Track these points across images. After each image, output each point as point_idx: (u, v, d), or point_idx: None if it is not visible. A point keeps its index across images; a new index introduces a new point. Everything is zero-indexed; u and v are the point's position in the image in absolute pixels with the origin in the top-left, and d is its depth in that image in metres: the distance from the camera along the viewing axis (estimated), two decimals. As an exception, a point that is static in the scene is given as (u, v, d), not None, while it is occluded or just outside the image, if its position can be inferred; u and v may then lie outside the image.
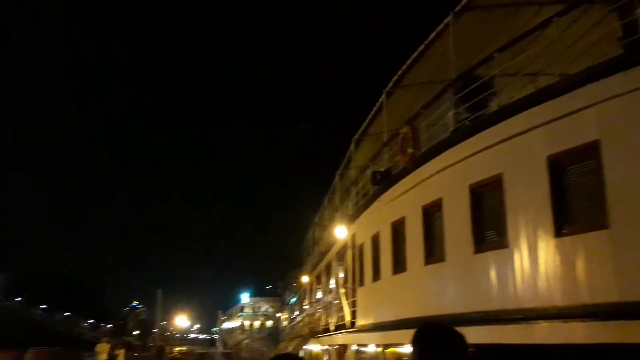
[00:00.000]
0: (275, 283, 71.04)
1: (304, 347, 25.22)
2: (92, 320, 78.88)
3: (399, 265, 12.01)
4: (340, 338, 17.84)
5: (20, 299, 76.66)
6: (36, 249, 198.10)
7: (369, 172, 14.66)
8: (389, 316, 12.41)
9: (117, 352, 26.55)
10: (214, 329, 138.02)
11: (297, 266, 34.32)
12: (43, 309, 73.08)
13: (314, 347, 24.35)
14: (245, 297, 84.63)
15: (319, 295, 25.75)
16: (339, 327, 18.39)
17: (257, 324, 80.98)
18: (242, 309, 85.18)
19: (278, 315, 60.26)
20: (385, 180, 12.83)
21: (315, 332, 23.47)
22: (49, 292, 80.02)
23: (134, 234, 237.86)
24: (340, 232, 17.13)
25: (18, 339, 47.13)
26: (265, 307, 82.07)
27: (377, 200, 13.27)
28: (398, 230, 12.07)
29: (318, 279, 25.27)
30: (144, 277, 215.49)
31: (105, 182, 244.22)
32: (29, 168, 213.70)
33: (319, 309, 24.06)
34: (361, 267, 15.17)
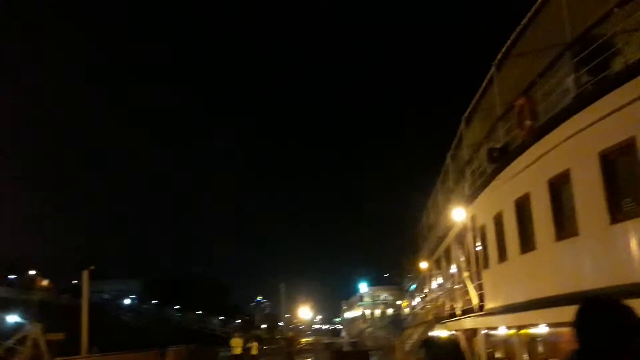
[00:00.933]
0: (391, 271, 70.98)
1: (429, 333, 24.98)
2: (221, 317, 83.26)
3: (526, 243, 11.53)
4: (468, 322, 17.46)
5: (155, 301, 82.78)
6: (164, 255, 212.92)
7: (483, 150, 14.20)
8: (520, 297, 11.97)
9: (249, 345, 27.85)
10: (336, 319, 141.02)
11: (413, 253, 34.03)
12: (177, 309, 78.25)
13: (440, 333, 24.05)
14: (363, 287, 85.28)
15: (440, 280, 25.38)
16: (466, 312, 18.03)
17: (377, 312, 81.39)
18: (361, 299, 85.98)
19: (398, 302, 60.16)
20: (503, 157, 12.36)
21: (440, 318, 23.17)
22: (180, 293, 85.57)
23: (255, 232, 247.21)
24: (458, 214, 16.75)
25: (157, 339, 51.04)
26: (383, 295, 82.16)
27: (496, 178, 12.82)
28: (522, 207, 11.59)
29: (437, 264, 24.89)
30: (265, 273, 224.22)
31: (224, 190, 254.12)
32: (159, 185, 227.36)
33: (442, 295, 23.73)
34: (484, 249, 14.74)
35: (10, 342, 26.05)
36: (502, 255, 13.07)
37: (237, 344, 27.73)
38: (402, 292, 51.40)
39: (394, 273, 60.05)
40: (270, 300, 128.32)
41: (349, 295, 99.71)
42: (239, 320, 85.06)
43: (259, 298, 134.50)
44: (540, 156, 10.58)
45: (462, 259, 18.43)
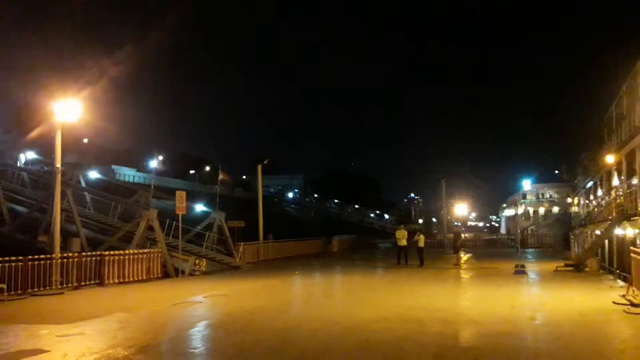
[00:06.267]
0: (561, 167, 66.47)
1: (614, 231, 23.16)
2: (377, 212, 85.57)
3: None
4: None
5: (316, 195, 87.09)
6: (322, 151, 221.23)
7: None
8: None
9: (417, 237, 28.04)
10: (492, 216, 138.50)
11: (594, 146, 31.11)
12: (336, 203, 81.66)
13: (625, 231, 22.20)
14: (526, 184, 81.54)
15: (630, 175, 23.05)
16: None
17: (541, 210, 78.06)
18: (524, 196, 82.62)
19: (568, 200, 56.71)
20: None
21: (628, 215, 21.25)
22: (339, 189, 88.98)
23: (408, 130, 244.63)
24: (670, 98, 14.48)
25: (320, 229, 54.08)
26: (549, 193, 78.17)
27: None
28: None
29: (629, 157, 22.45)
30: (419, 169, 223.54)
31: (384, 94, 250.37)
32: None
33: (633, 189, 21.57)
34: None
35: (199, 228, 28.92)
36: None
37: (402, 236, 27.97)
38: (573, 190, 48.12)
39: (565, 169, 56.28)
40: (423, 196, 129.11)
41: (509, 192, 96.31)
42: (389, 216, 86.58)
43: (412, 194, 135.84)
44: None
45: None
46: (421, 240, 27.69)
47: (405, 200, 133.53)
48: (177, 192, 25.28)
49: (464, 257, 33.52)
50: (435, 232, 66.71)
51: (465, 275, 23.24)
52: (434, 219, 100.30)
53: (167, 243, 23.56)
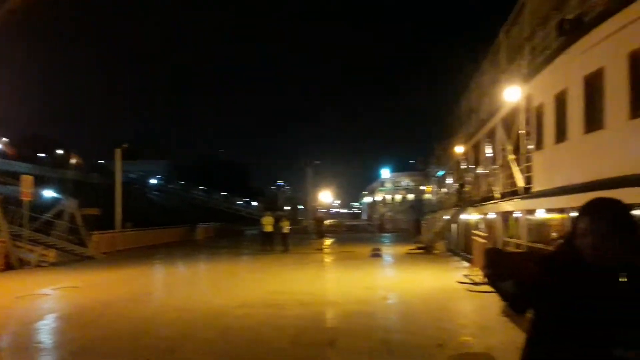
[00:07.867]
0: (417, 157, 71.00)
1: (460, 216, 25.11)
2: (245, 199, 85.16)
3: (593, 122, 10.87)
4: (509, 205, 17.25)
5: (181, 182, 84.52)
6: (187, 137, 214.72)
7: (551, 22, 13.09)
8: (578, 178, 11.49)
9: (281, 224, 28.32)
10: (354, 203, 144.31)
11: (446, 138, 33.45)
12: (202, 190, 79.94)
13: (470, 216, 24.16)
14: (385, 173, 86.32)
15: (475, 165, 25.08)
16: (505, 195, 17.83)
17: (398, 197, 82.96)
18: (382, 184, 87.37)
19: (421, 188, 60.73)
20: (575, 29, 11.35)
21: (474, 201, 23.14)
22: (205, 175, 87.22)
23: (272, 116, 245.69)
24: (511, 94, 15.91)
25: (185, 217, 52.72)
26: (405, 181, 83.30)
27: (564, 53, 11.89)
28: (593, 84, 10.79)
29: (475, 148, 24.42)
30: (286, 158, 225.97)
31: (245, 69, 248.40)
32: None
33: (478, 178, 23.52)
34: (539, 130, 14.12)
35: (47, 216, 26.73)
36: (561, 136, 12.47)
37: (268, 222, 28.21)
38: (427, 178, 51.61)
39: (420, 159, 60.20)
40: (290, 184, 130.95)
41: (369, 181, 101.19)
42: (257, 203, 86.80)
43: (280, 182, 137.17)
44: (624, 26, 9.60)
45: (508, 141, 17.90)
46: (285, 226, 28.03)
47: (273, 187, 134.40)
48: (23, 177, 23.15)
49: (327, 242, 34.56)
50: (301, 218, 68.08)
51: (327, 259, 23.96)
52: (300, 206, 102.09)
53: (11, 232, 21.49)
